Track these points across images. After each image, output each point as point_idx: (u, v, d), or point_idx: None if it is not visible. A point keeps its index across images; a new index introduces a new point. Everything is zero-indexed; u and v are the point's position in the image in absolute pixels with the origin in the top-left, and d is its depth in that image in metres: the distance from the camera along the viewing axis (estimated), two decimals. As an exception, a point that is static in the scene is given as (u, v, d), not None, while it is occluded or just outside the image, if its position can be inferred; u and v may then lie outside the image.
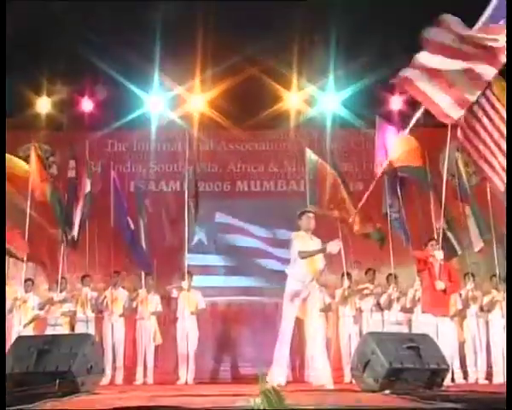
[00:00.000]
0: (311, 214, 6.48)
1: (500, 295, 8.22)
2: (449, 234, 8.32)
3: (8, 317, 8.36)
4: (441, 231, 7.46)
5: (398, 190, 8.84)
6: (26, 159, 9.21)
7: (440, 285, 6.99)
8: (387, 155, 8.49)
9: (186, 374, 8.51)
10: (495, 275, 8.36)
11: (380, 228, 8.83)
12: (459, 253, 8.50)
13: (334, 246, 6.02)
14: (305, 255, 6.16)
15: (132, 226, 8.91)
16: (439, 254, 7.13)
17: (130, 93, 9.75)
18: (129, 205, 9.14)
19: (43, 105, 10.14)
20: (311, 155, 9.07)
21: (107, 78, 9.47)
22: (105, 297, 8.81)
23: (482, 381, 8.28)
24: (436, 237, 7.35)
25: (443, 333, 6.94)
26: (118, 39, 8.60)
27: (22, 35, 8.93)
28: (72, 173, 9.09)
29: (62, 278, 8.81)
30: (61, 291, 8.69)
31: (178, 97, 10.04)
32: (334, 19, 8.55)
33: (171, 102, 10.08)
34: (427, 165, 8.56)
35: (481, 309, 8.43)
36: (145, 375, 8.74)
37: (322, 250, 6.11)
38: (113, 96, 9.87)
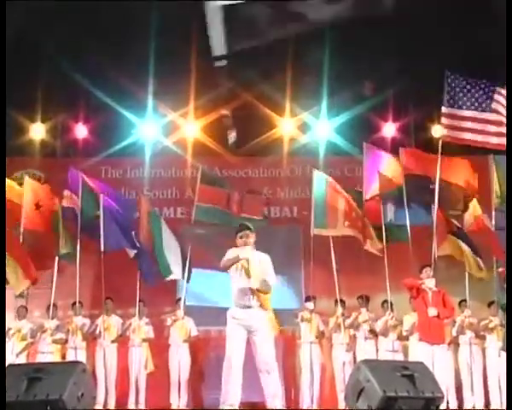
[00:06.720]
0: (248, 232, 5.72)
1: (497, 321, 8.17)
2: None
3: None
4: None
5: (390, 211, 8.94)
6: (21, 185, 9.12)
7: (433, 312, 6.96)
8: (375, 179, 8.54)
9: (178, 401, 8.53)
10: (493, 302, 8.31)
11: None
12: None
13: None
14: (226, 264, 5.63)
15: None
16: (431, 282, 7.08)
17: (124, 119, 9.78)
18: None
19: (37, 131, 10.12)
20: (318, 176, 8.92)
21: (100, 104, 9.48)
22: (97, 325, 8.72)
23: (479, 407, 8.19)
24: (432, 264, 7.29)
25: (438, 361, 6.90)
26: (112, 66, 8.63)
27: (17, 62, 8.97)
28: (65, 202, 9.00)
29: (53, 305, 8.70)
30: (52, 318, 8.53)
31: (172, 124, 10.06)
32: (328, 46, 8.61)
33: (165, 128, 10.10)
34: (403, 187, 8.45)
35: (477, 336, 8.37)
36: (137, 402, 8.64)
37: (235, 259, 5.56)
38: (107, 122, 9.88)
